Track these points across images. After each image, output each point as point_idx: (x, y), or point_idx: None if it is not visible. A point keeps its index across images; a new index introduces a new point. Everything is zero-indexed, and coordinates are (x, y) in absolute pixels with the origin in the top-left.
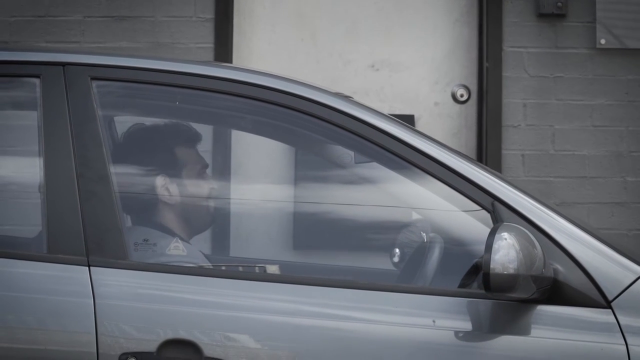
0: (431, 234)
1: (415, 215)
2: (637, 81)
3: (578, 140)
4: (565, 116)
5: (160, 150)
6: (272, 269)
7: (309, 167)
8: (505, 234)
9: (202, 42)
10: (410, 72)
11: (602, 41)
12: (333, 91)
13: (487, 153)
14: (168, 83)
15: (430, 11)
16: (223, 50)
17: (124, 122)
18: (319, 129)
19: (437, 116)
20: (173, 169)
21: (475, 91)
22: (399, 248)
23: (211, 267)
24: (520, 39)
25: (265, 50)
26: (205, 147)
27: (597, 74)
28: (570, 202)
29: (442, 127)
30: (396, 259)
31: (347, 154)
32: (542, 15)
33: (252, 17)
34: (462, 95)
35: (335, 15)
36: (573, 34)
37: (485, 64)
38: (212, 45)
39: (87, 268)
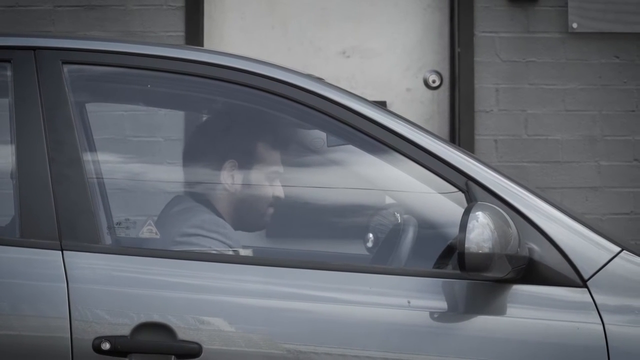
0: (405, 216)
1: (387, 199)
2: (610, 65)
3: (551, 125)
4: (538, 101)
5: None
6: (246, 253)
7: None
8: (479, 213)
9: (172, 30)
10: (381, 59)
11: (574, 25)
12: (305, 73)
13: (459, 139)
14: (140, 66)
15: None
16: (194, 38)
17: (97, 105)
18: (291, 111)
19: (409, 102)
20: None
21: (447, 77)
22: (372, 233)
23: (184, 250)
24: (492, 24)
25: (236, 38)
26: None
27: (569, 58)
28: (544, 187)
29: (414, 113)
30: (370, 244)
31: (319, 138)
32: (513, 0)
33: (222, 4)
34: (434, 81)
35: (305, 2)
36: (545, 18)
37: (457, 50)
38: (182, 34)
39: (60, 252)
